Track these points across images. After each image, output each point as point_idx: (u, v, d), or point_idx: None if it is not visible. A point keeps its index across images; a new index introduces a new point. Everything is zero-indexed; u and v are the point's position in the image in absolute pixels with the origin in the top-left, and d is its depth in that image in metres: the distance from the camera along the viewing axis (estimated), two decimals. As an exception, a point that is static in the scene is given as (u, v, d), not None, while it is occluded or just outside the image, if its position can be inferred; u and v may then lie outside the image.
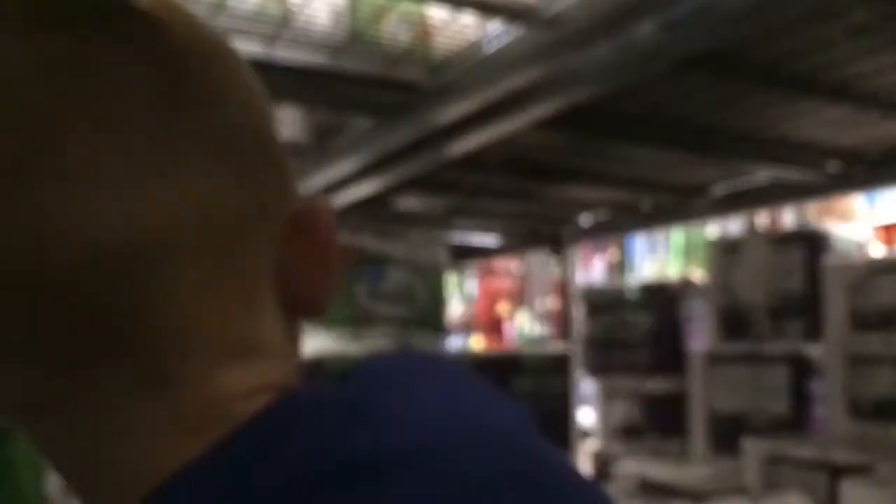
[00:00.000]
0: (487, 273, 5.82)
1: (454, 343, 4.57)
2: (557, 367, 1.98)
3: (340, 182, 2.45)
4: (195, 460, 0.30)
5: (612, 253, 5.02)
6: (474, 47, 1.73)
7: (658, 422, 2.23)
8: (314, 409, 0.31)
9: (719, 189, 2.86)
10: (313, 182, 2.57)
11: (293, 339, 0.37)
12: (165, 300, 0.32)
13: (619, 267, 4.98)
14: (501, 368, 1.89)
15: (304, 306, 0.37)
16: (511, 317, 5.74)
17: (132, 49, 0.32)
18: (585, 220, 3.50)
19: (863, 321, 1.75)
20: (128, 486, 0.31)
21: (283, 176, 0.37)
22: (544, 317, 5.02)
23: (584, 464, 2.31)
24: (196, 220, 0.32)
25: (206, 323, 0.33)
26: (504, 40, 1.67)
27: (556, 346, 2.74)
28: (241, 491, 0.29)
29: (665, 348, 2.23)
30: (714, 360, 2.10)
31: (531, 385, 1.91)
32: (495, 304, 5.83)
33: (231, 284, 0.34)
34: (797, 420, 1.91)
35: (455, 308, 5.42)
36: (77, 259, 0.30)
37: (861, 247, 2.51)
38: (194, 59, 0.34)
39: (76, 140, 0.30)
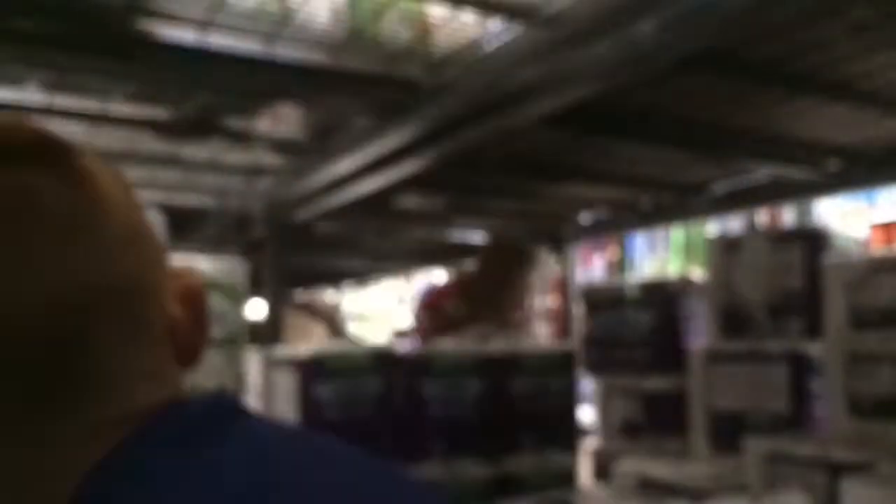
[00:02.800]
0: (487, 271, 5.80)
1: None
2: (560, 365, 1.97)
3: (340, 180, 2.45)
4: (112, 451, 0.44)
5: (611, 251, 5.02)
6: (474, 45, 1.73)
7: (658, 420, 2.23)
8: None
9: (719, 187, 2.86)
10: (314, 180, 2.57)
11: (177, 375, 0.52)
12: (97, 346, 0.46)
13: (619, 265, 4.98)
14: (501, 367, 1.88)
15: (185, 358, 0.52)
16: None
17: (56, 173, 0.47)
18: (585, 218, 3.50)
19: (863, 319, 1.75)
20: (59, 481, 0.43)
21: (162, 257, 0.52)
22: (544, 315, 5.01)
23: (584, 462, 2.30)
24: (109, 289, 0.46)
25: (120, 362, 0.47)
26: (504, 38, 1.67)
27: (561, 344, 2.73)
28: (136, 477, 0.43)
29: (665, 346, 2.23)
30: (714, 358, 2.10)
31: (532, 384, 1.90)
32: (495, 302, 5.81)
33: (134, 334, 0.48)
34: (797, 418, 1.91)
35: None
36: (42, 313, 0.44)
37: (861, 245, 2.51)
38: (97, 177, 0.48)
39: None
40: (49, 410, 0.44)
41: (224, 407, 0.50)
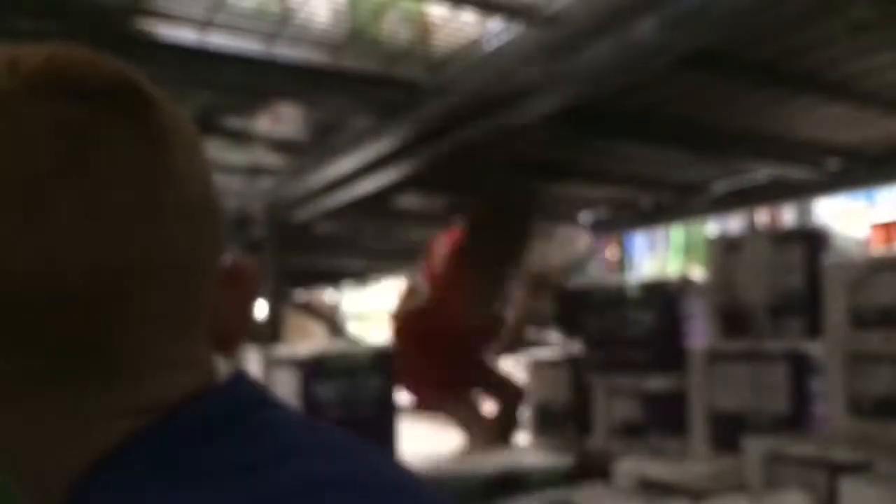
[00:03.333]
0: (487, 271, 5.80)
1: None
2: (373, 368, 1.82)
3: (340, 180, 2.45)
4: (134, 434, 0.41)
5: (612, 251, 5.02)
6: (474, 45, 1.73)
7: (658, 420, 2.23)
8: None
9: (719, 187, 2.86)
10: (314, 180, 2.57)
11: (210, 360, 0.48)
12: (127, 322, 0.41)
13: (619, 265, 4.98)
14: (306, 369, 1.75)
15: (224, 342, 0.49)
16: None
17: (131, 123, 0.42)
18: (585, 217, 3.50)
19: (862, 319, 1.75)
20: (63, 465, 0.40)
21: (221, 233, 0.47)
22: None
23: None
24: (160, 264, 0.42)
25: (157, 345, 0.43)
26: (504, 38, 1.67)
27: (375, 344, 2.51)
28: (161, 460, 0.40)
29: (665, 346, 2.23)
30: (714, 357, 2.10)
31: (340, 387, 1.74)
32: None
33: (176, 316, 0.44)
34: (797, 418, 1.91)
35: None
36: (75, 281, 0.39)
37: (861, 245, 2.51)
38: (175, 137, 0.44)
39: (75, 192, 0.39)
40: (72, 384, 0.41)
41: (242, 401, 0.45)
